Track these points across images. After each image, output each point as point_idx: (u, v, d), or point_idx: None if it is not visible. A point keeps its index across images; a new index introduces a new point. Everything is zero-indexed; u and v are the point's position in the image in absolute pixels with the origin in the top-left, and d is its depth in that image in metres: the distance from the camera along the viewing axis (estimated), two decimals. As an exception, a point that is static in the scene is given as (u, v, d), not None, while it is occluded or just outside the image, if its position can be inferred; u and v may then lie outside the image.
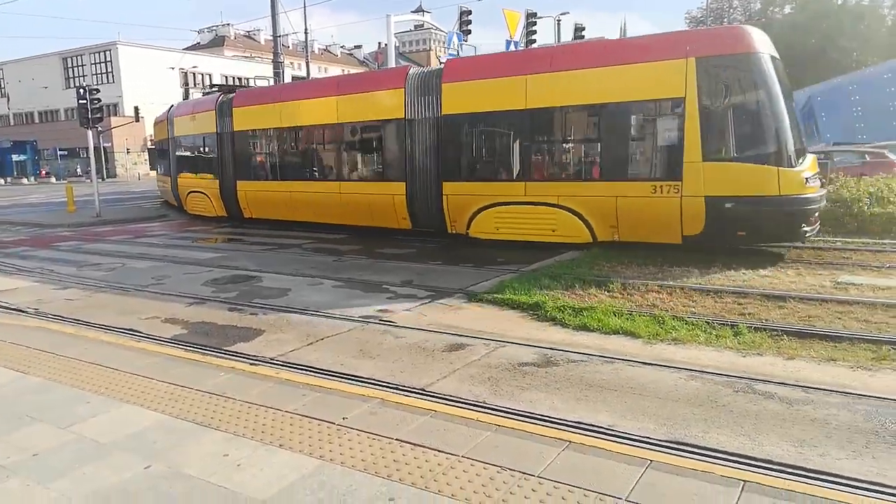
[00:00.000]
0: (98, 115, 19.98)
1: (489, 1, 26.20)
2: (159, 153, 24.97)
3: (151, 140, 48.51)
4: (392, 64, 19.65)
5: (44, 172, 54.41)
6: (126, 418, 4.54)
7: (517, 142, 11.95)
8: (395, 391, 5.01)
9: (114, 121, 50.52)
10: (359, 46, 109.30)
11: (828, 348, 5.80)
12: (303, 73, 43.09)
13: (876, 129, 22.21)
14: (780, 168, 9.55)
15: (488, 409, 4.62)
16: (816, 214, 10.19)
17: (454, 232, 12.78)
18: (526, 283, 8.52)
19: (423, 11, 57.78)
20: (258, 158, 17.25)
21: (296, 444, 4.05)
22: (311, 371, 5.56)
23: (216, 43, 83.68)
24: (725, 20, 47.94)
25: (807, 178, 9.75)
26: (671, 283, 8.48)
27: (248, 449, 4.01)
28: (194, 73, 61.37)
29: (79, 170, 50.98)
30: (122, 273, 11.06)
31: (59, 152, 54.80)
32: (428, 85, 12.96)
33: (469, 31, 24.85)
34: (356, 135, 14.80)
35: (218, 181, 18.14)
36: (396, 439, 4.06)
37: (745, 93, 9.99)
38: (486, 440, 4.02)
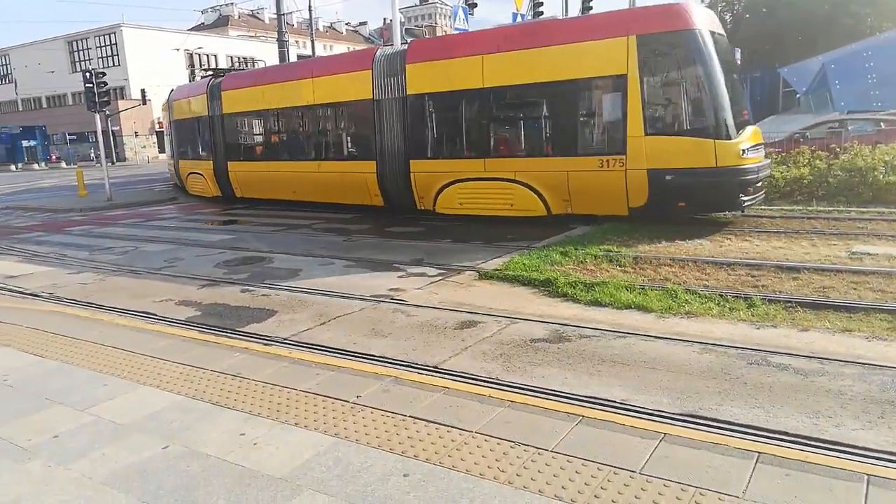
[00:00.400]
0: (105, 99, 19.96)
1: (495, -27, 25.83)
2: (167, 136, 25.20)
3: (159, 123, 48.61)
4: (398, 40, 19.45)
5: (54, 157, 54.64)
6: (143, 399, 4.59)
7: (476, 120, 12.35)
8: (407, 369, 5.03)
9: (121, 104, 50.49)
10: (364, 23, 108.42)
11: (843, 319, 5.75)
12: (308, 52, 42.80)
13: (891, 96, 21.77)
14: (717, 140, 9.83)
15: (501, 385, 4.63)
16: (759, 184, 10.55)
17: (422, 208, 13.23)
18: (537, 260, 8.50)
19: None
20: (245, 140, 18.06)
21: (311, 422, 4.09)
22: (324, 350, 5.60)
23: (220, 23, 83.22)
24: None
25: (744, 150, 10.01)
26: (683, 256, 8.43)
27: (264, 428, 4.05)
28: (199, 55, 61.13)
29: (92, 153, 51.05)
30: (134, 256, 11.14)
31: (68, 137, 55.01)
32: (393, 66, 13.27)
33: (475, 5, 24.52)
34: (331, 116, 15.38)
35: (211, 162, 18.71)
36: (410, 416, 4.09)
37: (682, 68, 10.37)
38: (499, 416, 4.04)
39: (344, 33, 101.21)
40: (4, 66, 67.51)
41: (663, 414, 4.06)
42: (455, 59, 12.36)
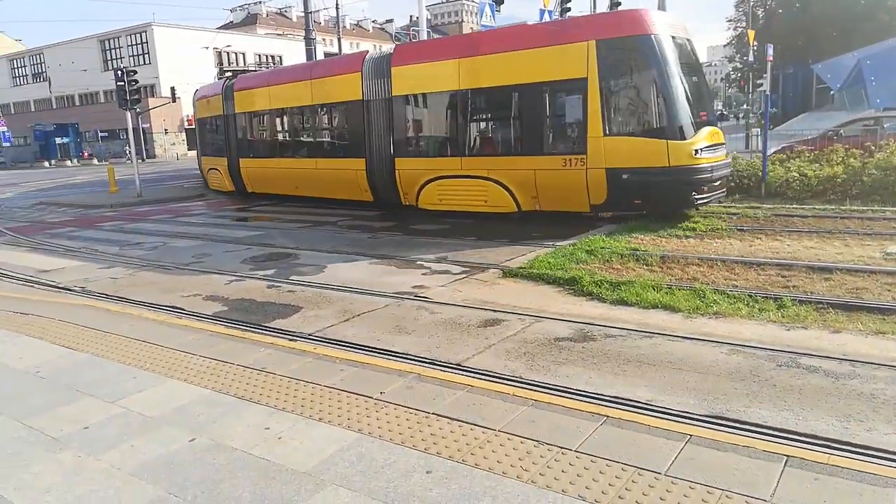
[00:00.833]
0: (136, 97, 20.33)
1: (522, -30, 25.67)
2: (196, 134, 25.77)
3: (189, 120, 49.28)
4: (424, 37, 19.48)
5: (86, 154, 55.69)
6: (171, 393, 4.67)
7: (454, 120, 12.95)
8: (431, 366, 5.04)
9: (151, 102, 51.23)
10: (390, 20, 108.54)
11: (876, 321, 5.62)
12: (335, 50, 43.02)
13: (929, 93, 21.26)
14: (670, 141, 10.23)
15: (524, 383, 4.61)
16: (717, 182, 11.01)
17: (407, 203, 13.86)
18: (562, 258, 8.44)
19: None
20: (254, 137, 18.94)
21: (335, 417, 4.12)
22: (348, 346, 5.62)
23: (249, 21, 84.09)
24: None
25: (697, 150, 10.36)
26: (712, 255, 8.31)
27: (289, 422, 4.08)
28: (228, 53, 61.81)
29: (128, 151, 51.97)
30: (163, 252, 11.32)
31: (99, 134, 55.97)
32: (380, 68, 13.95)
33: (502, 1, 24.39)
34: (326, 115, 16.32)
35: (226, 159, 19.73)
36: (433, 413, 4.09)
37: (638, 72, 10.82)
38: (523, 415, 4.02)
39: (371, 31, 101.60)
40: (39, 65, 69.01)
41: (689, 415, 4.00)
42: (435, 62, 12.99)
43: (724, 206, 12.32)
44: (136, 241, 12.77)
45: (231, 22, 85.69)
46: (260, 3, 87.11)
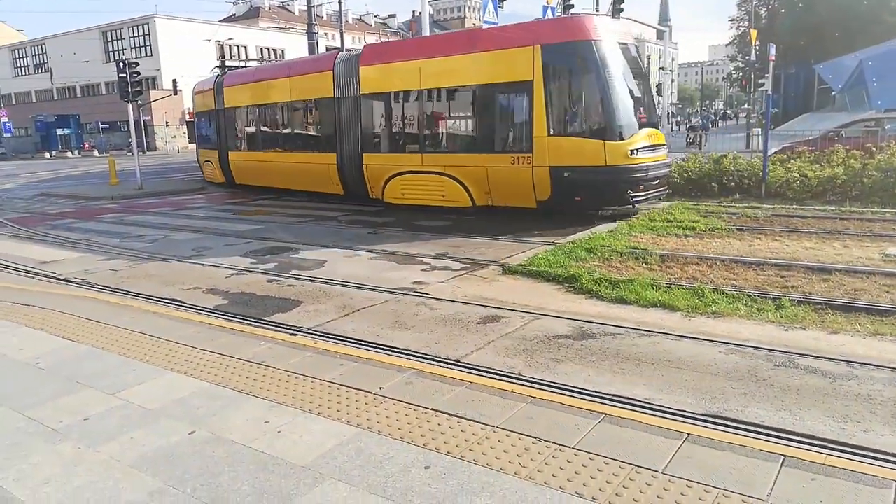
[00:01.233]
0: (138, 89, 20.33)
1: (525, -34, 25.59)
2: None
3: (189, 113, 49.21)
4: (426, 33, 19.45)
5: (87, 146, 55.65)
6: (171, 385, 4.68)
7: (415, 118, 13.60)
8: (430, 362, 5.05)
9: (153, 94, 51.23)
10: (393, 15, 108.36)
11: (874, 322, 5.64)
12: (337, 44, 42.92)
13: (931, 95, 21.22)
14: (607, 142, 10.81)
15: (523, 380, 4.63)
16: (655, 182, 11.59)
17: (374, 197, 14.53)
18: (561, 256, 8.45)
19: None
20: (241, 131, 19.72)
21: (334, 412, 4.13)
22: (348, 341, 5.64)
23: (251, 14, 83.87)
24: None
25: (633, 151, 10.94)
26: (711, 255, 8.33)
27: (288, 416, 4.10)
28: (230, 46, 61.68)
29: (132, 142, 51.88)
30: (164, 244, 11.33)
31: (100, 126, 55.92)
32: (350, 68, 14.68)
33: (505, -2, 24.33)
34: (303, 112, 17.03)
35: (217, 151, 20.64)
36: (432, 409, 4.11)
37: (579, 76, 11.40)
38: (521, 411, 4.04)
39: (373, 25, 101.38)
40: (41, 56, 68.87)
41: (687, 414, 4.02)
42: (399, 63, 13.71)
43: (723, 206, 12.36)
44: (136, 233, 12.77)
45: (233, 15, 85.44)
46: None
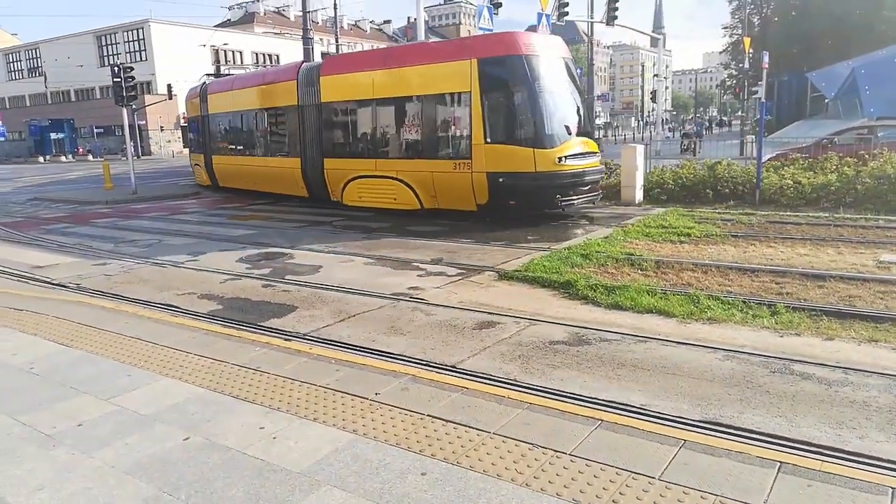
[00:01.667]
0: (132, 94, 20.24)
1: (521, -27, 25.72)
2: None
3: (184, 118, 49.14)
4: (421, 38, 19.54)
5: (81, 150, 55.46)
6: (165, 391, 4.66)
7: (369, 125, 14.43)
8: (426, 368, 5.04)
9: (147, 99, 51.11)
10: (388, 21, 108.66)
11: (869, 329, 5.66)
12: (333, 50, 42.97)
13: (923, 102, 21.35)
14: (536, 149, 11.54)
15: (519, 386, 4.62)
16: (586, 187, 12.34)
17: (335, 199, 15.41)
18: (557, 262, 8.46)
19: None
20: (221, 137, 20.92)
21: (330, 418, 4.12)
22: (343, 347, 5.62)
23: (246, 20, 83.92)
24: None
25: (561, 158, 11.66)
26: (706, 261, 8.35)
27: (283, 422, 4.08)
28: (225, 51, 61.64)
29: (126, 147, 51.74)
30: (158, 249, 11.28)
31: (95, 130, 55.74)
32: (311, 77, 15.56)
33: (500, 4, 24.39)
34: (273, 118, 17.94)
35: (203, 155, 21.82)
36: (428, 415, 4.10)
37: (511, 87, 12.08)
38: (517, 418, 4.03)
39: (368, 31, 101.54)
40: (35, 60, 68.71)
41: (683, 420, 4.02)
42: (355, 73, 14.62)
43: (718, 212, 12.41)
44: (130, 238, 12.72)
45: (229, 20, 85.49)
46: (258, 1, 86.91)
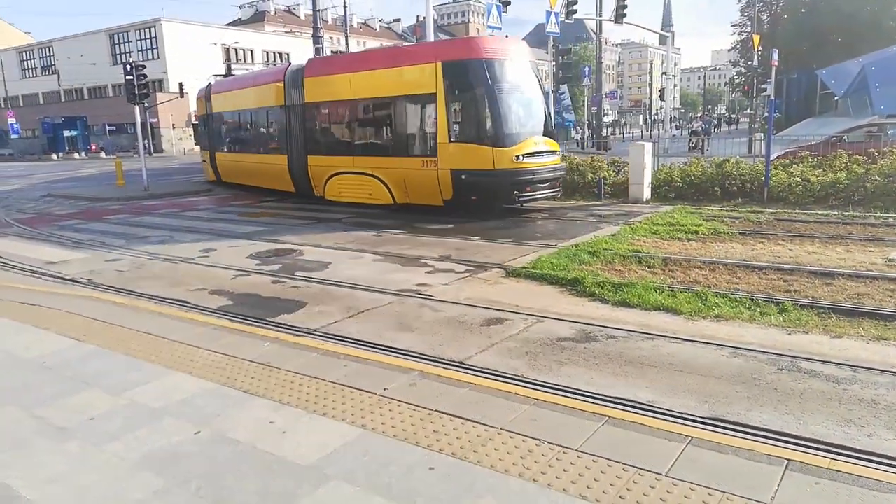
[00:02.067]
0: (144, 92, 20.35)
1: (530, -29, 25.60)
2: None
3: (195, 115, 49.40)
4: (430, 37, 19.54)
5: (94, 147, 55.80)
6: (176, 385, 4.71)
7: (348, 124, 15.44)
8: (434, 364, 5.07)
9: (159, 97, 51.38)
10: (397, 20, 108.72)
11: (877, 327, 5.64)
12: (343, 48, 43.01)
13: (935, 100, 21.16)
14: (494, 148, 12.22)
15: (527, 383, 4.64)
16: (545, 184, 12.94)
17: (318, 195, 16.16)
18: (565, 259, 8.47)
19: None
20: (223, 134, 22.16)
21: (338, 412, 4.15)
22: (352, 343, 5.66)
23: (257, 18, 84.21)
24: None
25: (519, 156, 12.31)
26: (714, 259, 8.33)
27: (293, 416, 4.12)
28: (236, 49, 61.86)
29: (138, 144, 52.03)
30: (169, 246, 11.36)
31: (107, 128, 56.07)
32: (297, 78, 16.47)
33: (508, 3, 24.38)
34: (264, 117, 19.11)
35: (208, 152, 23.03)
36: (436, 411, 4.13)
37: (471, 89, 12.74)
38: (525, 414, 4.05)
39: (378, 30, 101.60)
40: (48, 58, 69.19)
41: (691, 417, 4.03)
42: (335, 75, 15.45)
43: (726, 210, 12.37)
44: (142, 234, 12.82)
45: (239, 19, 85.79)
46: (268, 0, 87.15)
